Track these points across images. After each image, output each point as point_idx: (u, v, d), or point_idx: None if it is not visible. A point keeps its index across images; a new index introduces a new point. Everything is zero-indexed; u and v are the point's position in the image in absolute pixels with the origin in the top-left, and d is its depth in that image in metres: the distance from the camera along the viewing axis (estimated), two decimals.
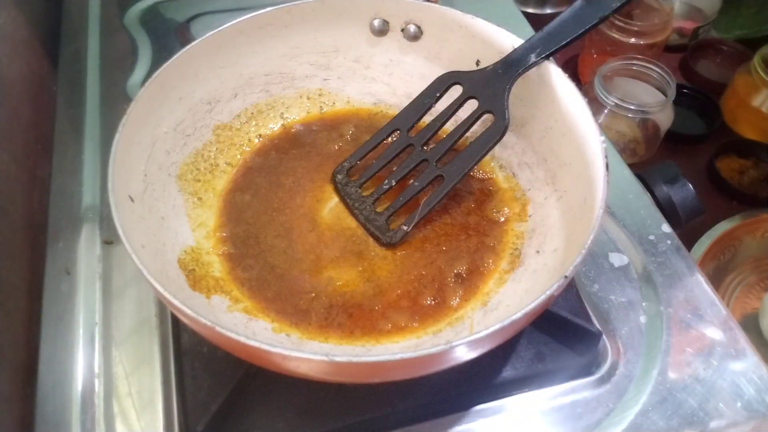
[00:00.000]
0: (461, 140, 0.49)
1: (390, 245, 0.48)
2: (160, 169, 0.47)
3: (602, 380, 0.47)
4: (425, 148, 0.50)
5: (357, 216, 0.50)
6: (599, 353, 0.48)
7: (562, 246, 0.44)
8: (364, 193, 0.50)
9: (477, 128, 0.48)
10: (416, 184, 0.49)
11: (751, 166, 0.86)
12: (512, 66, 0.47)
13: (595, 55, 0.91)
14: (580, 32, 0.47)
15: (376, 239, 0.48)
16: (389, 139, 0.51)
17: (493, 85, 0.48)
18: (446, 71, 0.50)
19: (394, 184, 0.49)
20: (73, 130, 0.63)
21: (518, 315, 0.34)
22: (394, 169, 0.50)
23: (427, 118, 0.51)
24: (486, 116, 0.48)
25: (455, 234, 0.49)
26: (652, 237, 0.55)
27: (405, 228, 0.48)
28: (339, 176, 0.52)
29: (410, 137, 0.50)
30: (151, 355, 0.48)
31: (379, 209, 0.49)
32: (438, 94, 0.50)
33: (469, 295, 0.46)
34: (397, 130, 0.51)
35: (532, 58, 0.47)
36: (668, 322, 0.50)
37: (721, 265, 0.75)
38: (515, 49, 0.48)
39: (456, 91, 0.49)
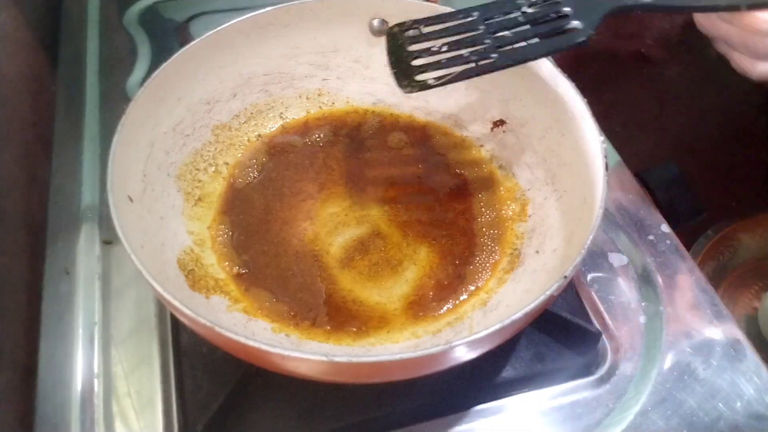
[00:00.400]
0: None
1: (405, 89, 0.43)
2: (159, 169, 0.47)
3: (602, 380, 0.47)
4: (492, 35, 0.43)
5: (390, 55, 0.45)
6: (599, 353, 0.48)
7: (561, 246, 0.44)
8: (409, 48, 0.45)
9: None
10: (465, 54, 0.43)
11: None
12: None
13: None
14: None
15: (396, 80, 0.44)
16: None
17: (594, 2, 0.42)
18: None
19: (442, 48, 0.44)
20: (72, 130, 0.63)
21: (518, 315, 0.34)
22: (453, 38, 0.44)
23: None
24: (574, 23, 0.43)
25: (455, 234, 0.49)
26: (652, 237, 0.55)
27: (430, 81, 0.43)
28: (396, 28, 0.46)
29: (482, 23, 0.44)
30: (150, 355, 0.48)
31: (414, 63, 0.44)
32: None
33: (469, 295, 0.46)
34: (474, 14, 0.44)
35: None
36: (668, 322, 0.50)
37: (721, 265, 0.75)
38: None
39: None
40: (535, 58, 0.44)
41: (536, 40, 0.43)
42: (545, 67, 0.47)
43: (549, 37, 0.43)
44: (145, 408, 0.45)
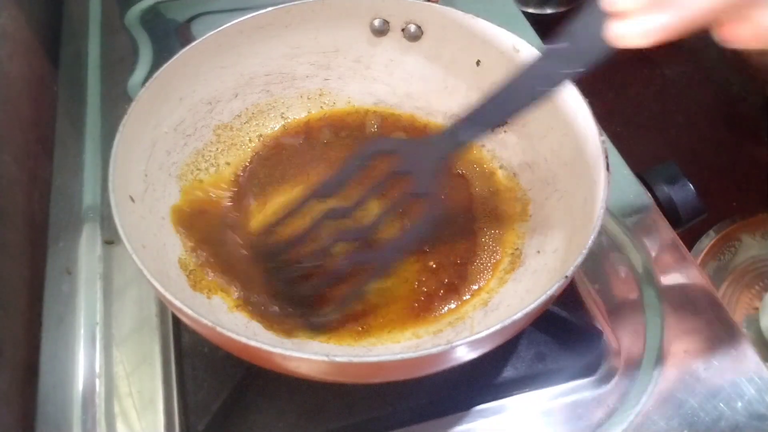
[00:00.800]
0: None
1: (314, 329, 0.44)
2: (161, 169, 0.48)
3: (602, 380, 0.47)
4: (352, 221, 0.44)
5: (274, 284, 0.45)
6: (600, 353, 0.48)
7: (562, 246, 0.44)
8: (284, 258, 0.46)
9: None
10: (345, 264, 0.44)
11: None
12: (445, 141, 0.41)
13: None
14: (531, 103, 0.38)
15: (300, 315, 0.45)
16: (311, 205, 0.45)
17: (428, 159, 0.42)
18: (447, 72, 0.50)
19: (319, 263, 0.45)
20: (73, 130, 0.63)
21: (519, 315, 0.34)
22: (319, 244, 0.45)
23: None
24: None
25: (456, 234, 0.49)
26: (652, 237, 0.55)
27: (333, 317, 0.44)
28: (257, 245, 0.47)
29: (339, 209, 0.44)
30: (151, 355, 0.48)
31: (303, 288, 0.45)
32: (368, 161, 0.44)
33: (470, 295, 0.46)
34: (322, 198, 0.45)
35: (463, 137, 0.41)
36: (669, 322, 0.50)
37: (721, 265, 0.75)
38: (455, 122, 0.41)
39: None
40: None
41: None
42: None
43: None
44: (146, 408, 0.45)
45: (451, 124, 0.41)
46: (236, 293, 0.45)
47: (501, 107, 0.40)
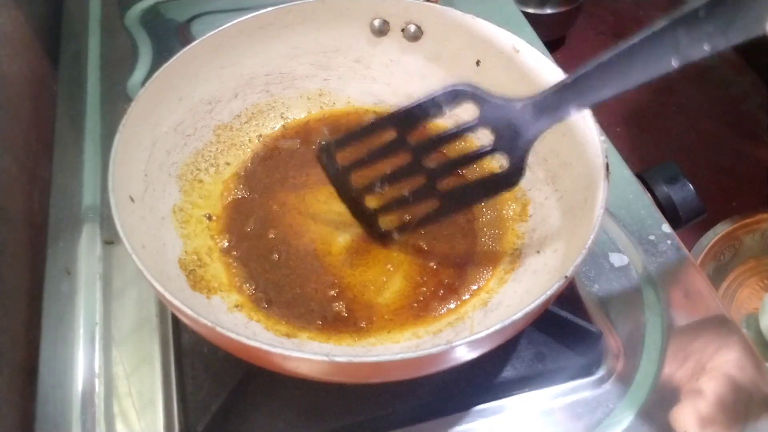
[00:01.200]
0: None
1: (377, 239, 0.48)
2: (161, 169, 0.48)
3: (602, 380, 0.47)
4: (423, 160, 0.43)
5: (344, 199, 0.47)
6: (599, 353, 0.48)
7: (562, 246, 0.44)
8: (353, 182, 0.46)
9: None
10: (410, 199, 0.45)
11: None
12: (547, 113, 0.38)
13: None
14: (654, 75, 0.33)
15: (364, 228, 0.48)
16: (383, 133, 0.44)
17: (518, 127, 0.39)
18: (447, 72, 0.50)
19: (385, 189, 0.45)
20: (73, 130, 0.63)
21: (518, 315, 0.34)
22: (387, 171, 0.44)
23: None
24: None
25: (456, 234, 0.49)
26: (652, 237, 0.55)
27: (395, 236, 0.48)
28: (323, 156, 0.46)
29: (407, 142, 0.43)
30: (151, 355, 0.48)
31: (368, 204, 0.47)
32: (447, 109, 0.41)
33: (470, 295, 0.46)
34: (394, 127, 0.43)
35: (572, 109, 0.37)
36: (668, 322, 0.50)
37: (721, 265, 0.75)
38: (557, 90, 0.37)
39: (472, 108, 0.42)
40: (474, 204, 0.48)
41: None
42: (546, 67, 0.47)
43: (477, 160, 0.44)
44: (146, 408, 0.45)
45: (551, 91, 0.37)
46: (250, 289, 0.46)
47: (618, 76, 0.34)
